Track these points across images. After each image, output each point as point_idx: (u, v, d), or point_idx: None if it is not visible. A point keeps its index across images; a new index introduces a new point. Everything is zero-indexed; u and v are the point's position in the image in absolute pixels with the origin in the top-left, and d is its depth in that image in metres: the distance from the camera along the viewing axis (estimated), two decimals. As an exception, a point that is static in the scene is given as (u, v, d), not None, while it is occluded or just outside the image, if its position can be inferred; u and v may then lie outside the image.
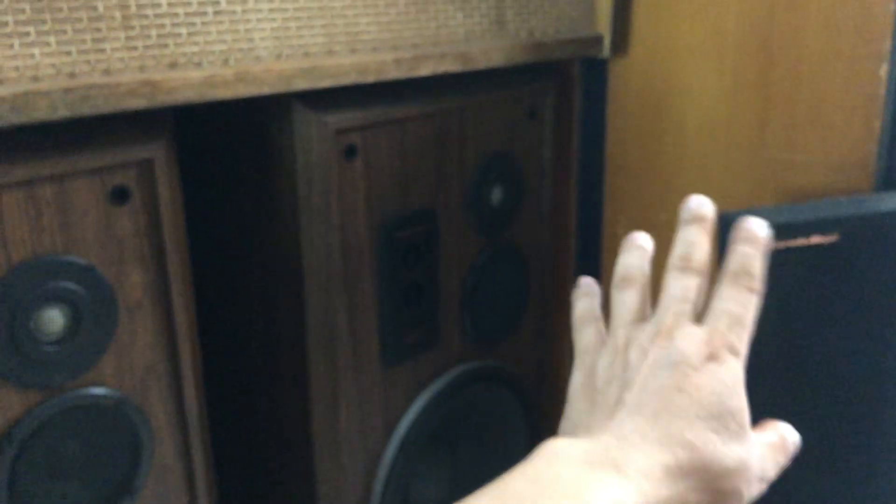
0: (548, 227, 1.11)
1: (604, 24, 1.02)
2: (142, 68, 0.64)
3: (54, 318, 0.67)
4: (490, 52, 0.90)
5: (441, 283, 0.98)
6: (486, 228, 1.02)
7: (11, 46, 0.58)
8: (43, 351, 0.66)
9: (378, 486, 0.97)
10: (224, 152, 0.88)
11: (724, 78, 0.95)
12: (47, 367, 0.67)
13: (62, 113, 0.60)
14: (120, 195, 0.69)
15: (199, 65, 0.67)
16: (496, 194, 1.02)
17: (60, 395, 0.68)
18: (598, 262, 1.15)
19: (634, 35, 1.02)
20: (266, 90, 0.71)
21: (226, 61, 0.69)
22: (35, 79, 0.59)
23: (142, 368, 0.74)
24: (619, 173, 1.08)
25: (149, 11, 0.64)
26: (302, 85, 0.73)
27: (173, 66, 0.66)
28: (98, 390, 0.71)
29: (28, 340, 0.65)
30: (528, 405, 1.17)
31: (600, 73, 1.06)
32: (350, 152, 0.83)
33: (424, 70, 0.83)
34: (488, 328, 1.08)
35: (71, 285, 0.67)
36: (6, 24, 0.57)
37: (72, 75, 0.60)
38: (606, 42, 1.02)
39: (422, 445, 1.02)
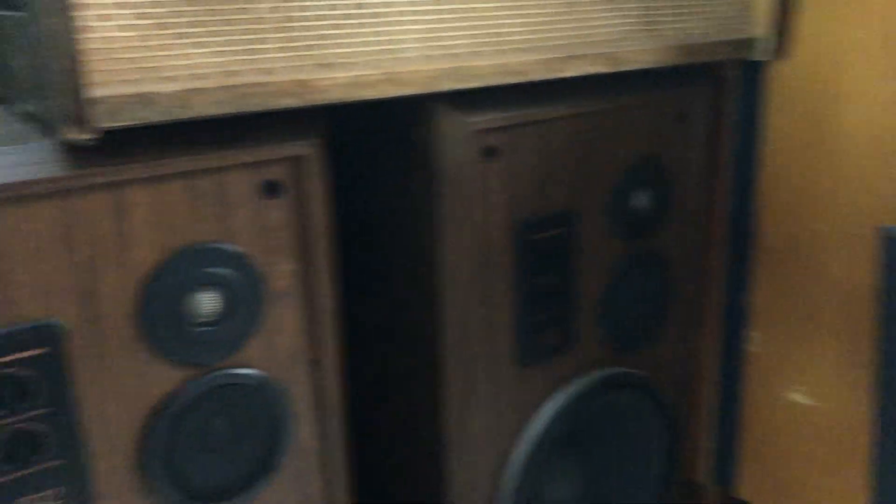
0: (695, 234, 1.07)
1: (761, 25, 0.97)
2: (295, 68, 0.67)
3: (208, 302, 0.71)
4: (639, 54, 0.88)
5: (579, 286, 0.97)
6: (628, 233, 1.00)
7: (175, 47, 0.62)
8: (197, 332, 0.71)
9: (507, 486, 0.97)
10: (370, 149, 0.91)
11: (894, 83, 0.88)
12: (200, 347, 0.72)
13: (221, 109, 0.64)
14: (272, 189, 0.73)
15: (348, 66, 0.70)
16: (640, 199, 1.00)
17: (211, 374, 0.73)
18: (746, 273, 1.10)
19: (796, 37, 0.97)
20: (412, 90, 0.73)
21: (374, 62, 0.71)
22: (197, 77, 0.63)
23: (287, 353, 0.78)
24: (774, 182, 1.03)
25: (302, 14, 0.67)
26: (448, 86, 0.75)
27: (324, 66, 0.69)
28: (245, 371, 0.75)
29: (184, 321, 0.70)
30: (666, 415, 1.14)
31: (756, 76, 1.02)
32: (490, 152, 0.84)
33: (571, 71, 0.83)
34: (627, 334, 1.06)
35: (224, 271, 0.71)
36: (170, 26, 0.61)
37: (231, 74, 0.64)
38: (765, 44, 0.98)
39: (553, 447, 1.01)
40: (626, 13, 0.87)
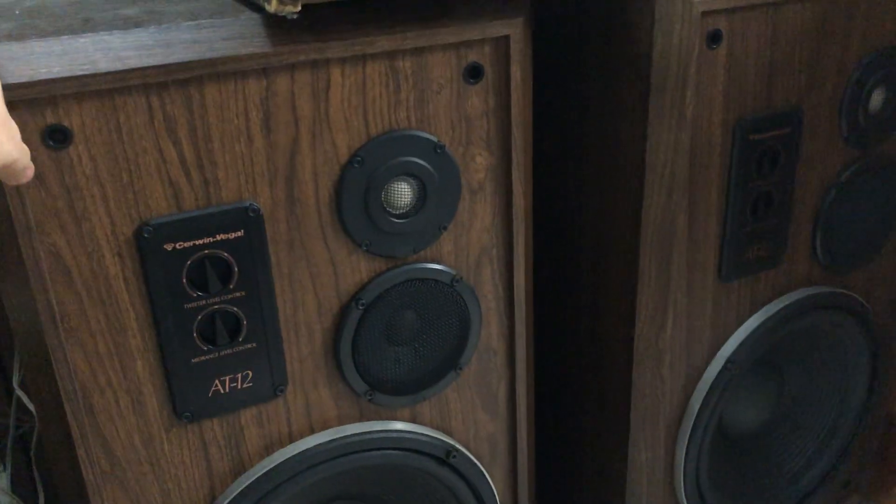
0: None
1: None
2: (509, -63, 0.60)
3: (404, 193, 0.68)
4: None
5: (796, 196, 0.87)
6: (859, 138, 0.88)
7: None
8: (391, 223, 0.68)
9: (695, 404, 0.91)
10: (572, 34, 0.84)
11: None
12: (394, 239, 0.69)
13: (429, -18, 0.59)
14: (474, 72, 0.67)
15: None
16: (877, 98, 0.87)
17: (402, 267, 0.71)
18: None
19: None
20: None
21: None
22: (407, -54, 0.58)
23: (477, 250, 0.74)
24: None
25: None
26: (674, -42, 0.66)
27: (540, -66, 0.61)
28: (436, 266, 0.72)
29: (379, 211, 0.67)
30: (874, 343, 1.03)
31: None
32: (714, 38, 0.74)
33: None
34: (842, 252, 0.95)
35: (421, 161, 0.68)
36: None
37: (441, -57, 0.59)
38: None
39: (748, 368, 0.94)
40: None
